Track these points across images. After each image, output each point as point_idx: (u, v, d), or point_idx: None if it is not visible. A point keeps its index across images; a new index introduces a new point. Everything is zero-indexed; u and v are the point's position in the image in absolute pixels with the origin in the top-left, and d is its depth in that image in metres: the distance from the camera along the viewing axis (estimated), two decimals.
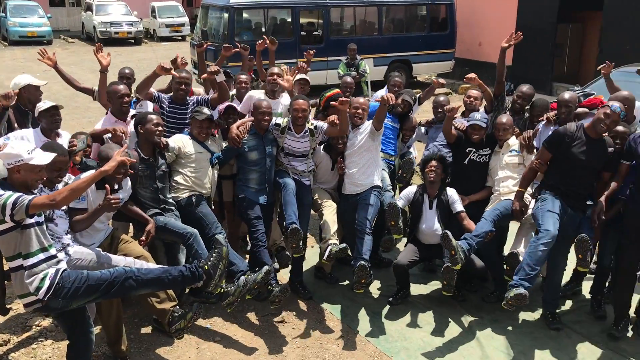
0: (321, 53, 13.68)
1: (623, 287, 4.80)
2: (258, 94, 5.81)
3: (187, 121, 5.33)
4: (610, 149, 4.70)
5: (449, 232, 4.73)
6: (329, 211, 5.26)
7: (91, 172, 3.92)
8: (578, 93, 6.61)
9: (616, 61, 10.40)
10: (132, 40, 25.38)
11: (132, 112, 5.28)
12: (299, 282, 5.43)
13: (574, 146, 4.67)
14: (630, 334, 4.89)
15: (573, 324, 5.04)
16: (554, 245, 4.65)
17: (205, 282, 4.26)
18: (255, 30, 14.40)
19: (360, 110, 5.32)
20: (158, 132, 4.77)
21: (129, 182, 4.60)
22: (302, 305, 5.32)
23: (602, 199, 4.68)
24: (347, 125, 5.20)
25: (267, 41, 6.98)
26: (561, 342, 4.80)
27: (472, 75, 5.79)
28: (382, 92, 6.04)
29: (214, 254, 4.22)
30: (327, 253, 4.98)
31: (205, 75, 5.56)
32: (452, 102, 6.15)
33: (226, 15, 13.52)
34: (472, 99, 5.88)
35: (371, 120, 5.27)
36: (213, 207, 5.38)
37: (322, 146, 5.56)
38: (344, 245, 4.96)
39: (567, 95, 5.32)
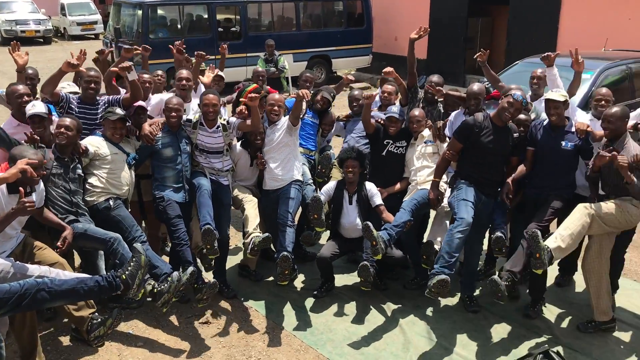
0: (239, 49, 13.61)
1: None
2: (166, 97, 5.68)
3: (97, 122, 5.14)
4: (515, 135, 4.94)
5: (369, 224, 4.82)
6: (250, 205, 5.24)
7: None
8: (487, 85, 6.91)
9: (523, 52, 11.01)
10: (42, 40, 24.24)
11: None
12: (222, 281, 5.37)
13: (483, 135, 4.87)
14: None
15: (490, 305, 5.24)
16: (470, 232, 4.86)
17: (123, 291, 4.15)
18: (170, 27, 14.12)
19: (276, 107, 5.34)
20: (61, 136, 4.57)
21: (42, 185, 4.40)
22: (227, 305, 5.28)
23: (509, 180, 4.93)
24: (259, 120, 5.19)
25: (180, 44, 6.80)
26: (479, 324, 5.00)
27: (389, 69, 5.90)
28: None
29: (132, 263, 4.12)
30: (250, 245, 4.95)
31: (115, 68, 5.34)
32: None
33: (140, 12, 13.17)
34: (386, 94, 6.00)
35: (288, 116, 5.30)
36: (130, 210, 5.23)
37: (239, 142, 5.52)
38: (267, 234, 4.95)
39: (475, 87, 5.53)
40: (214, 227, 4.90)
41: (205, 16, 14.27)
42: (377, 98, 6.13)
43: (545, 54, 5.57)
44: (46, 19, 24.95)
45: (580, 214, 4.50)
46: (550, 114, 4.88)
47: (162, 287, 4.55)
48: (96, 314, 4.39)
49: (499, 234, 4.81)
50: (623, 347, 4.71)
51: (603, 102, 5.16)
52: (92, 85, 5.18)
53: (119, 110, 4.99)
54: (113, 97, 5.32)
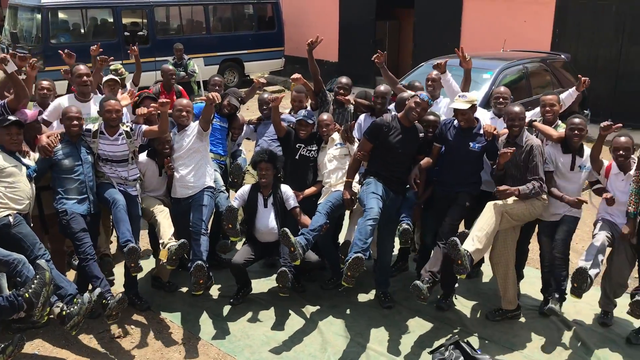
0: (148, 53, 13.22)
1: (446, 263, 5.21)
2: (65, 101, 5.43)
3: None
4: (421, 134, 5.11)
5: (287, 230, 4.81)
6: (163, 216, 5.10)
7: None
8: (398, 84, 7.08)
9: (428, 54, 11.40)
10: None
11: None
12: (134, 294, 5.19)
13: (391, 135, 5.00)
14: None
15: (403, 300, 5.39)
16: (380, 229, 4.98)
17: (27, 311, 3.93)
18: (73, 32, 13.51)
19: (184, 113, 5.22)
20: None
21: None
22: (140, 318, 5.11)
23: (417, 166, 5.08)
24: (167, 126, 5.06)
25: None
26: (393, 319, 5.12)
27: (297, 75, 5.97)
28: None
29: (35, 280, 3.91)
30: (167, 256, 4.82)
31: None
32: (284, 99, 6.28)
33: (39, 16, 12.51)
34: (296, 98, 6.02)
35: (198, 121, 5.20)
36: (32, 224, 4.95)
37: (145, 152, 5.36)
38: (183, 240, 4.83)
39: (382, 87, 5.67)
40: (136, 243, 4.75)
41: (111, 20, 13.77)
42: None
43: (436, 63, 5.77)
44: None
45: (490, 214, 4.70)
46: (458, 120, 5.06)
47: (72, 309, 4.32)
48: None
49: (405, 225, 4.92)
50: (528, 332, 4.97)
51: (501, 100, 5.42)
52: None
53: (11, 117, 4.69)
54: None
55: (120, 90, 6.29)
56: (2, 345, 4.04)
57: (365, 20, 15.75)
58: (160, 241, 5.02)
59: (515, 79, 8.77)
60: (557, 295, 4.95)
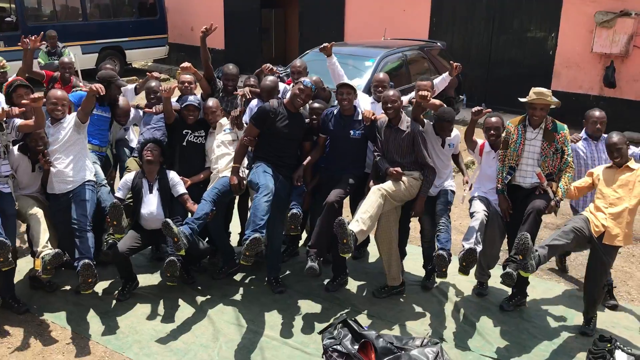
0: (17, 41, 12.33)
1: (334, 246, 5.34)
2: None
3: None
4: (307, 120, 5.21)
5: (169, 220, 4.72)
6: (35, 220, 4.81)
7: None
8: (281, 74, 7.14)
9: (314, 42, 11.56)
10: None
11: None
12: (10, 296, 4.89)
13: (278, 121, 5.07)
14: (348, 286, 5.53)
15: (294, 284, 5.50)
16: (270, 213, 5.02)
17: None
18: None
19: (59, 106, 4.95)
20: None
21: None
22: (18, 321, 4.82)
23: (300, 169, 5.22)
24: (43, 120, 4.78)
25: None
26: (285, 303, 5.20)
27: (186, 64, 5.85)
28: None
29: None
30: (42, 265, 4.57)
31: None
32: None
33: None
34: (186, 83, 5.90)
35: (75, 113, 4.95)
36: None
37: (17, 147, 5.03)
38: (57, 250, 4.60)
39: (267, 81, 5.67)
40: (5, 236, 4.45)
41: None
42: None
43: (322, 45, 5.87)
44: None
45: (375, 197, 4.88)
46: (342, 99, 5.18)
47: None
48: None
49: (294, 210, 5.01)
50: (412, 306, 5.24)
51: (380, 88, 5.62)
52: None
53: None
54: None
55: None
56: None
57: (251, 8, 15.70)
58: (35, 249, 4.74)
59: (396, 67, 9.12)
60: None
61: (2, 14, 13.59)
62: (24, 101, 4.81)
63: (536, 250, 4.52)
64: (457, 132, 5.37)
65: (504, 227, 5.20)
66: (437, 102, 5.20)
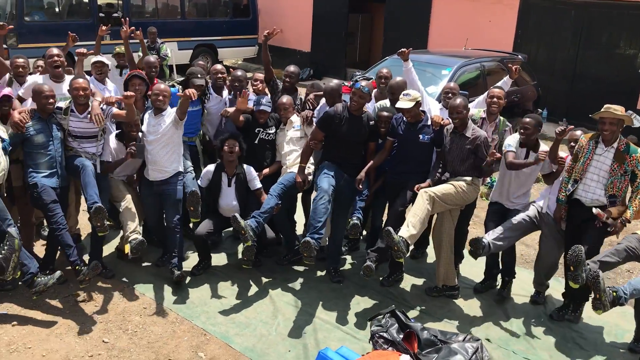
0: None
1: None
2: (40, 80, 5.68)
3: None
4: (371, 122, 5.52)
5: (237, 215, 5.18)
6: (127, 206, 5.43)
7: None
8: (359, 78, 7.49)
9: (397, 48, 11.79)
10: None
11: None
12: (99, 261, 5.53)
13: (342, 124, 5.42)
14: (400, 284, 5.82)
15: (352, 276, 5.83)
16: (334, 208, 5.38)
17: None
18: (48, 10, 13.59)
19: (160, 97, 5.47)
20: None
21: None
22: (104, 284, 5.46)
23: (363, 172, 5.50)
24: (134, 114, 5.37)
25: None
26: (341, 293, 5.56)
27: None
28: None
29: (5, 247, 4.19)
30: (129, 250, 5.23)
31: None
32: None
33: None
34: (258, 82, 6.38)
35: (175, 109, 5.46)
36: (5, 194, 5.24)
37: (114, 135, 5.67)
38: (142, 239, 5.23)
39: (332, 84, 5.99)
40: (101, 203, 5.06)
41: (86, 0, 13.89)
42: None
43: (401, 50, 6.16)
44: None
45: (422, 200, 5.13)
46: (405, 116, 5.47)
47: (42, 278, 4.71)
48: None
49: (355, 221, 5.31)
50: (462, 307, 5.45)
51: (450, 95, 5.86)
52: None
53: None
54: None
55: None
56: None
57: (338, 13, 16.12)
58: (125, 233, 5.36)
59: (473, 77, 9.24)
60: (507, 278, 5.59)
61: (110, 9, 14.75)
62: (117, 98, 5.44)
63: (588, 264, 4.62)
64: (547, 148, 5.40)
65: (561, 238, 5.29)
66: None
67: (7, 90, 5.31)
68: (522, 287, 5.73)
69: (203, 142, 6.33)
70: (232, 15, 16.22)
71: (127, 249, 5.35)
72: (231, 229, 5.81)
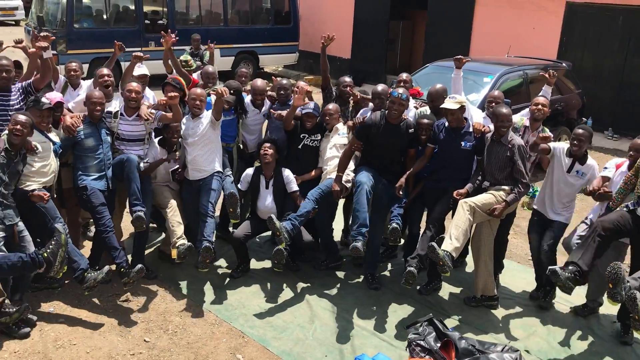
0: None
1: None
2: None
3: (14, 107, 5.21)
4: (410, 130, 5.52)
5: (273, 216, 5.26)
6: (172, 212, 5.56)
7: None
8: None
9: (438, 55, 11.79)
10: None
11: None
12: (142, 263, 5.66)
13: (379, 133, 5.44)
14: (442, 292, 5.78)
15: (390, 283, 5.83)
16: (372, 214, 5.38)
17: (46, 269, 4.36)
18: (96, 17, 14.04)
19: (197, 102, 5.63)
20: (15, 133, 4.62)
21: None
22: (146, 285, 5.59)
23: (403, 178, 5.48)
24: (180, 115, 5.54)
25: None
26: (378, 299, 5.55)
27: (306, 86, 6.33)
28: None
29: (53, 242, 4.32)
30: (177, 254, 5.36)
31: (32, 50, 5.47)
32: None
33: (64, 0, 13.03)
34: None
35: (211, 110, 5.63)
36: (56, 196, 5.43)
37: (157, 140, 5.83)
38: (189, 244, 5.34)
39: (379, 87, 6.07)
40: (143, 206, 5.22)
41: (132, 7, 14.27)
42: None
43: (458, 57, 6.14)
44: None
45: (463, 211, 5.09)
46: (448, 119, 5.45)
47: (91, 273, 4.85)
48: (7, 301, 4.53)
49: (394, 225, 5.31)
50: (501, 317, 5.38)
51: (493, 104, 5.80)
52: (4, 74, 5.22)
53: (45, 100, 5.14)
54: (25, 82, 5.40)
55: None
56: (10, 310, 4.48)
57: (379, 19, 16.13)
58: (172, 240, 5.49)
59: (515, 85, 9.13)
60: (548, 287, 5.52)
61: (155, 16, 15.12)
62: (161, 100, 5.62)
63: (628, 282, 4.48)
64: (594, 164, 5.34)
65: (621, 249, 5.16)
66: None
67: (59, 97, 5.51)
68: (565, 299, 5.62)
69: (239, 150, 6.45)
70: (274, 23, 16.41)
71: (174, 253, 5.51)
72: (269, 233, 5.88)
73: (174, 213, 5.57)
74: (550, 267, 4.70)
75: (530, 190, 7.92)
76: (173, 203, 5.65)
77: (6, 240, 4.59)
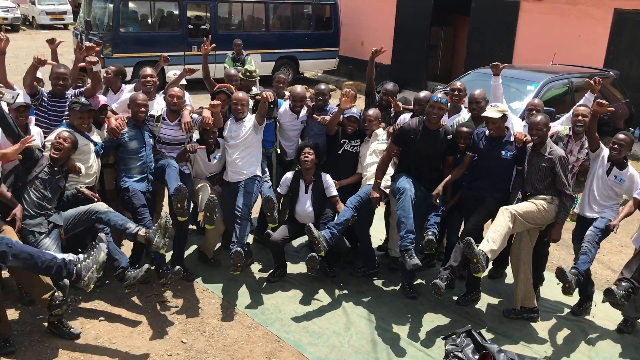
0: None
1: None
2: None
3: (66, 113, 5.41)
4: (449, 136, 5.45)
5: (311, 225, 5.28)
6: (204, 190, 5.65)
7: None
8: (440, 90, 7.43)
9: (480, 62, 11.63)
10: (9, 28, 24.03)
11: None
12: (180, 265, 5.73)
13: (417, 139, 5.39)
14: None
15: (427, 292, 5.74)
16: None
17: (75, 280, 4.30)
18: (141, 22, 14.35)
19: (239, 106, 5.71)
20: (56, 150, 4.77)
21: None
22: (185, 287, 5.66)
23: (440, 186, 5.42)
24: (220, 121, 5.64)
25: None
26: (415, 309, 5.50)
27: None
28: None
29: (90, 256, 4.31)
30: (202, 218, 5.40)
31: (83, 64, 5.66)
32: (334, 97, 6.68)
33: (111, 5, 13.38)
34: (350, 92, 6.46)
35: (254, 115, 5.69)
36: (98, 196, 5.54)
37: (195, 140, 5.92)
38: (238, 250, 5.37)
39: (421, 94, 6.03)
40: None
41: (176, 12, 14.54)
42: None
43: (495, 63, 6.06)
44: (14, 6, 24.81)
45: (503, 217, 5.02)
46: (489, 127, 5.37)
47: (131, 272, 4.88)
48: (57, 294, 4.63)
49: (430, 236, 5.24)
50: (541, 331, 5.25)
51: (534, 112, 5.70)
52: (61, 82, 5.44)
53: (83, 100, 5.27)
54: (78, 90, 5.60)
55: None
56: (61, 302, 4.56)
57: (421, 25, 16.01)
58: (200, 208, 5.54)
59: (560, 93, 8.94)
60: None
61: (198, 21, 15.37)
62: (204, 107, 5.69)
63: None
64: (634, 173, 5.25)
65: None
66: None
67: (104, 100, 5.65)
68: (608, 315, 5.46)
69: (278, 155, 6.49)
70: (315, 28, 16.48)
71: (200, 216, 5.44)
72: (306, 237, 5.88)
73: (205, 190, 5.64)
74: (606, 289, 4.67)
75: (575, 202, 7.74)
76: (207, 186, 5.73)
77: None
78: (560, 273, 4.90)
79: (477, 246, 4.84)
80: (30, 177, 4.72)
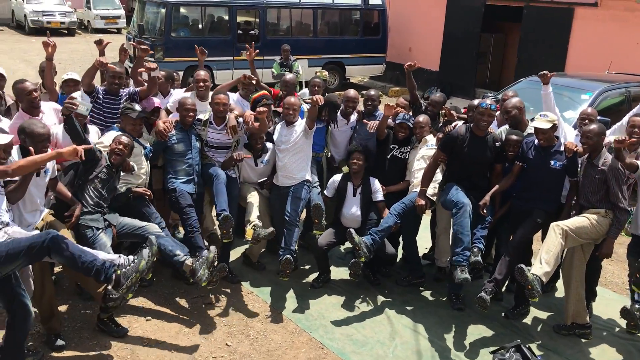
0: (258, 52, 14.03)
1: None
2: (186, 94, 6.09)
3: (120, 111, 5.52)
4: (497, 144, 5.34)
5: (352, 230, 5.25)
6: (254, 198, 5.67)
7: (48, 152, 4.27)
8: (491, 98, 7.31)
9: (532, 70, 11.35)
10: (66, 31, 24.86)
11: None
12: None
13: (465, 146, 5.30)
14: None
15: (473, 304, 5.60)
16: None
17: (114, 286, 4.21)
18: (192, 27, 14.59)
19: (291, 111, 5.73)
20: (116, 153, 4.90)
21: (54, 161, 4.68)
22: (230, 289, 5.69)
23: (487, 196, 5.30)
24: (265, 127, 5.66)
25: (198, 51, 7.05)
26: (462, 320, 5.38)
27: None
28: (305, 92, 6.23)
29: (133, 262, 4.22)
30: (252, 235, 5.31)
31: (142, 69, 5.79)
32: (382, 103, 6.65)
33: (163, 10, 13.65)
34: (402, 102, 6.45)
35: (305, 119, 5.69)
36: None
37: (242, 145, 5.95)
38: (271, 229, 5.39)
39: (475, 101, 5.93)
40: (229, 213, 5.31)
41: (226, 18, 14.73)
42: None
43: (543, 72, 5.91)
44: (71, 11, 25.58)
45: (555, 235, 4.84)
46: (538, 138, 5.23)
47: (197, 264, 4.81)
48: (110, 288, 4.69)
49: (476, 257, 5.10)
50: (593, 348, 5.07)
51: (587, 121, 5.51)
52: (117, 80, 5.65)
53: (137, 107, 5.40)
54: (132, 89, 5.78)
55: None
56: (115, 296, 4.62)
57: (470, 32, 15.75)
58: (247, 219, 5.53)
59: (616, 103, 8.62)
60: None
61: (248, 27, 15.54)
62: (249, 113, 5.75)
63: None
64: None
65: None
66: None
67: (157, 102, 5.76)
68: None
69: (328, 159, 6.47)
70: (362, 34, 16.43)
71: (249, 234, 5.36)
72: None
73: (254, 198, 5.67)
74: None
75: (629, 216, 7.46)
76: (256, 193, 5.77)
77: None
78: (625, 313, 4.73)
79: (529, 271, 4.69)
80: (91, 177, 4.86)
